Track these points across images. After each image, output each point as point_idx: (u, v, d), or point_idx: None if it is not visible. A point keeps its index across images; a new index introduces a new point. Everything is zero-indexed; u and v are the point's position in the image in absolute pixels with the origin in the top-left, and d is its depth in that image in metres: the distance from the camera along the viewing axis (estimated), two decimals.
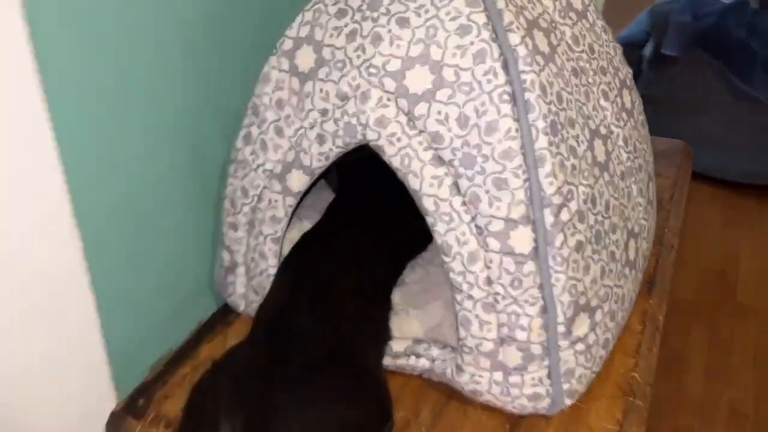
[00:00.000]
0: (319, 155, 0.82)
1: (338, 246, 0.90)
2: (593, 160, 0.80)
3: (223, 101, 0.95)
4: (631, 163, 0.89)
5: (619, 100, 0.88)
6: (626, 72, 0.93)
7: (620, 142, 0.87)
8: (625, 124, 0.88)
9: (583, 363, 0.81)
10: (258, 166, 0.87)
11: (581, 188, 0.77)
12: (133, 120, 0.81)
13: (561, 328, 0.77)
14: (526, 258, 0.74)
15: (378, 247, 0.92)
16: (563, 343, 0.78)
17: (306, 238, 0.92)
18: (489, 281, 0.77)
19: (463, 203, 0.75)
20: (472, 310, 0.78)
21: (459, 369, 0.82)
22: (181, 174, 0.91)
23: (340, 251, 0.89)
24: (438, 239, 0.77)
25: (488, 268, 0.76)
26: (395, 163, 0.77)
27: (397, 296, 0.91)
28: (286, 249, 0.91)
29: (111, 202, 0.81)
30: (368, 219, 0.95)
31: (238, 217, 0.91)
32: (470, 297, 0.78)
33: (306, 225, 0.98)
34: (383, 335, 0.86)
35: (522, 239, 0.74)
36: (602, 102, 0.85)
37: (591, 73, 0.84)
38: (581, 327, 0.79)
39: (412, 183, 0.77)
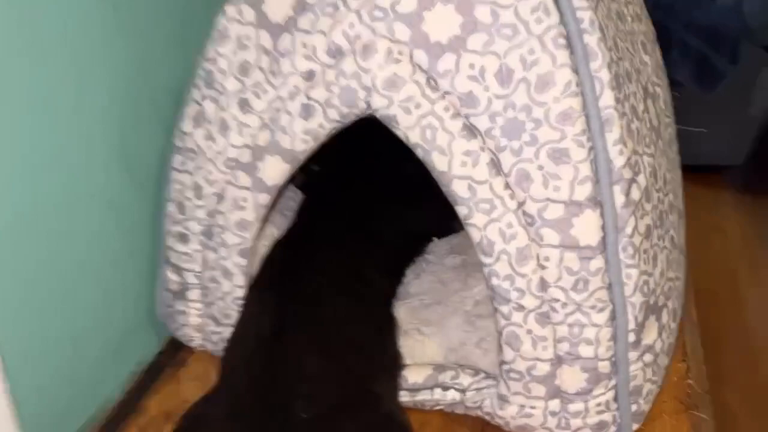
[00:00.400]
0: (305, 134, 0.61)
1: (322, 255, 0.70)
2: (650, 123, 0.64)
3: (159, 70, 0.72)
4: (671, 129, 0.74)
5: (654, 54, 0.73)
6: (651, 25, 0.78)
7: (661, 104, 0.72)
8: (662, 82, 0.73)
9: (650, 377, 0.65)
10: (216, 155, 0.65)
11: (645, 158, 0.61)
12: (37, 106, 0.58)
13: (631, 337, 0.61)
14: (594, 251, 0.57)
15: (371, 252, 0.72)
16: (632, 355, 0.62)
17: (279, 248, 0.71)
18: (544, 285, 0.59)
19: (507, 186, 0.57)
20: (523, 323, 0.60)
21: (503, 400, 0.64)
22: (105, 172, 0.68)
23: (326, 261, 0.69)
24: (475, 235, 0.59)
25: (543, 268, 0.59)
26: (413, 137, 0.58)
27: (402, 312, 0.72)
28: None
29: (6, 215, 0.57)
30: (353, 217, 0.75)
31: (189, 225, 0.69)
32: (520, 307, 0.60)
33: (271, 232, 0.77)
34: (396, 363, 0.66)
35: (589, 227, 0.57)
36: (643, 55, 0.69)
37: (629, 19, 0.68)
38: (650, 333, 0.63)
39: (438, 163, 0.58)
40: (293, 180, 0.88)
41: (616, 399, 0.63)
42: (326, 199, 0.80)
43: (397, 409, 0.62)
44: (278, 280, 0.66)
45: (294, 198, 0.87)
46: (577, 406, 0.62)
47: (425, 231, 0.80)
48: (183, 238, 0.70)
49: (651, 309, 0.62)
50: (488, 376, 0.67)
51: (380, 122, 0.81)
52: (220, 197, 0.66)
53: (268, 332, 0.61)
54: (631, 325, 0.60)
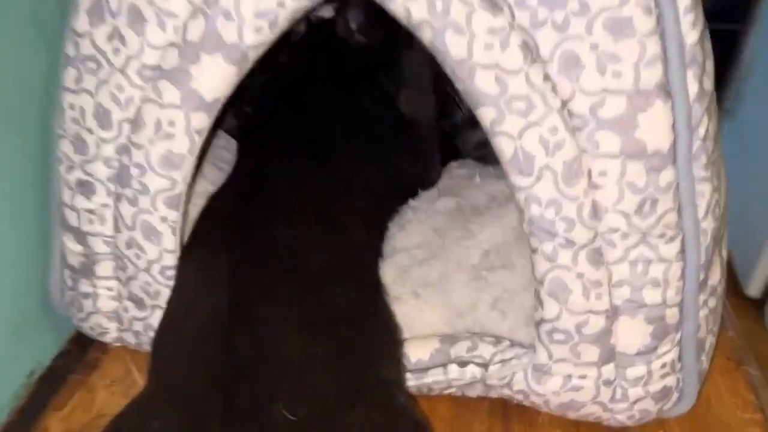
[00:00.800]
0: (258, 18, 0.43)
1: (285, 202, 0.52)
2: None
3: None
4: None
5: None
6: None
7: None
8: None
9: (711, 327, 0.52)
10: (128, 61, 0.46)
11: (706, 43, 0.47)
12: None
13: (701, 275, 0.47)
14: (664, 159, 0.43)
15: (344, 199, 0.55)
16: (701, 298, 0.48)
17: (223, 198, 0.53)
18: (598, 212, 0.44)
19: (548, 77, 0.42)
20: (572, 265, 0.45)
21: (542, 372, 0.49)
22: None
23: (292, 210, 0.51)
24: (506, 148, 0.43)
25: (597, 187, 0.44)
26: (417, 11, 0.42)
27: (388, 273, 0.55)
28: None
29: None
30: (312, 161, 0.58)
31: (92, 169, 0.49)
32: (569, 243, 0.44)
33: (205, 188, 0.58)
34: (395, 338, 0.49)
35: (659, 126, 0.42)
36: None
37: None
38: (715, 271, 0.50)
39: (453, 47, 0.42)
40: (222, 124, 0.70)
41: (680, 357, 0.49)
42: (271, 144, 0.62)
43: (410, 399, 0.45)
44: (230, 236, 0.48)
45: (227, 147, 0.69)
46: (637, 370, 0.48)
47: (401, 178, 0.63)
48: (85, 188, 0.50)
49: (716, 240, 0.49)
50: (514, 343, 0.51)
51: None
52: (137, 123, 0.47)
53: (225, 305, 0.43)
54: (702, 259, 0.47)
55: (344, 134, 0.62)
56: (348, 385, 0.41)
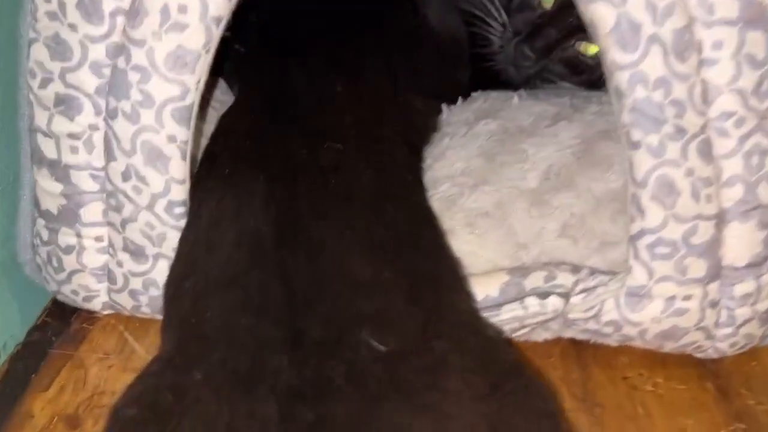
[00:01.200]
0: None
1: (318, 120, 0.43)
2: None
3: None
4: None
5: None
6: None
7: None
8: None
9: None
10: None
11: None
12: None
13: None
14: None
15: (378, 117, 0.47)
16: None
17: (236, 119, 0.44)
18: (708, 95, 0.37)
19: None
20: (682, 160, 0.38)
21: (640, 296, 0.41)
22: None
23: (329, 122, 0.43)
24: (608, 16, 0.36)
25: (709, 64, 0.37)
26: None
27: (434, 206, 0.47)
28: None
29: None
30: (338, 76, 0.49)
31: (76, 78, 0.39)
32: (679, 132, 0.37)
33: (207, 129, 0.48)
34: (460, 270, 0.41)
35: None
36: None
37: None
38: None
39: None
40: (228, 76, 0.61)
41: None
42: (287, 63, 0.53)
43: (499, 333, 0.37)
44: (262, 153, 0.38)
45: (219, 87, 0.60)
46: (745, 286, 0.41)
47: (427, 90, 0.55)
48: (66, 105, 0.40)
49: None
50: (594, 271, 0.44)
51: None
52: (136, 13, 0.37)
53: (267, 230, 0.34)
54: None
55: (362, 46, 0.54)
56: (431, 314, 0.33)
